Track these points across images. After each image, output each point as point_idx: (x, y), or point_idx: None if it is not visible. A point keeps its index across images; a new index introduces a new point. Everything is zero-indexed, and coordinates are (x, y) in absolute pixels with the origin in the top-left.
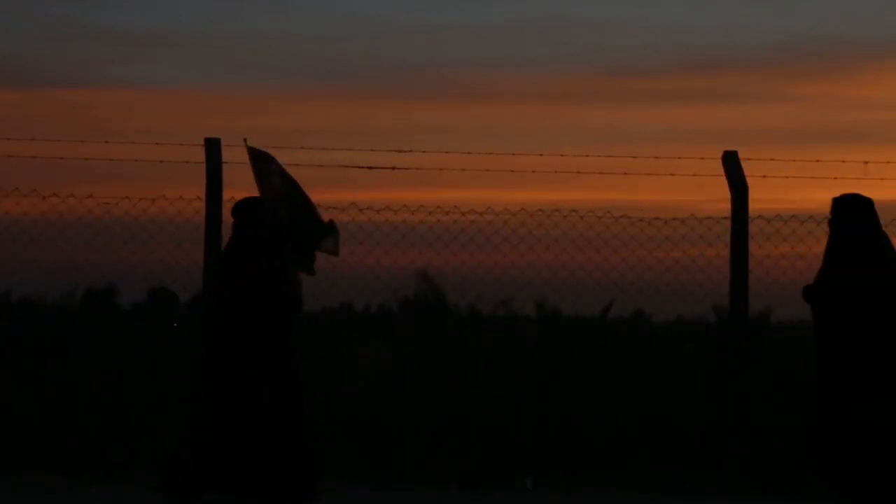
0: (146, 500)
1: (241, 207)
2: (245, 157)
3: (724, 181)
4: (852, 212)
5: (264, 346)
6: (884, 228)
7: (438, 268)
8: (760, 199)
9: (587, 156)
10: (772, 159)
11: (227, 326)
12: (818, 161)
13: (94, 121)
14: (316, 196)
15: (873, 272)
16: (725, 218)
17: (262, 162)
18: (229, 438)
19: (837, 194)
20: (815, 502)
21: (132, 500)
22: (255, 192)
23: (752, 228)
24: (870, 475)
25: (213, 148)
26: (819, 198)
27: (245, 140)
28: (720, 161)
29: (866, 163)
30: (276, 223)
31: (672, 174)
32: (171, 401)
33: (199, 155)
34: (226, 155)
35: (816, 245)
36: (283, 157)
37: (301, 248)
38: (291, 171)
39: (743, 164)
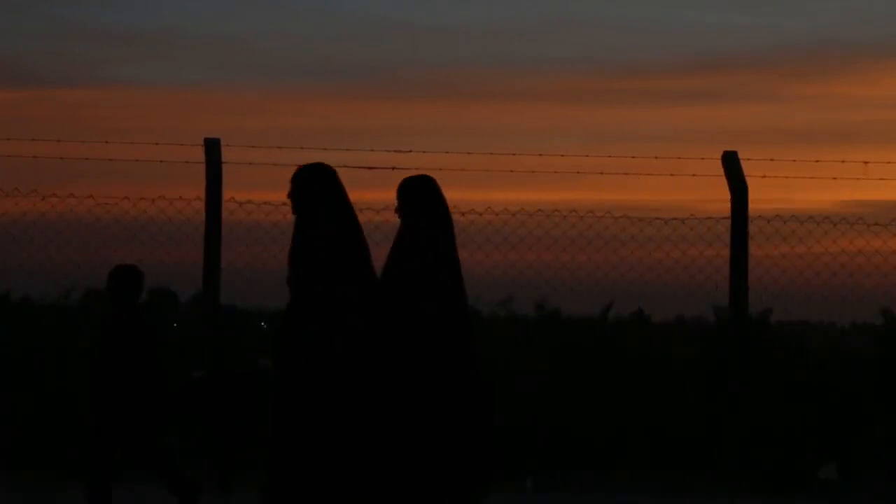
0: (145, 499)
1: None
2: (243, 157)
3: (724, 181)
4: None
5: None
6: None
7: None
8: (760, 199)
9: (587, 156)
10: (772, 159)
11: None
12: (818, 161)
13: (94, 121)
14: None
15: None
16: (725, 218)
17: None
18: None
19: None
20: (814, 502)
21: (132, 500)
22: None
23: (752, 228)
24: None
25: (212, 148)
26: (819, 198)
27: None
28: (720, 161)
29: (866, 163)
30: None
31: (672, 174)
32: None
33: (199, 155)
34: (226, 155)
35: (816, 245)
36: (283, 158)
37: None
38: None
39: (743, 164)
